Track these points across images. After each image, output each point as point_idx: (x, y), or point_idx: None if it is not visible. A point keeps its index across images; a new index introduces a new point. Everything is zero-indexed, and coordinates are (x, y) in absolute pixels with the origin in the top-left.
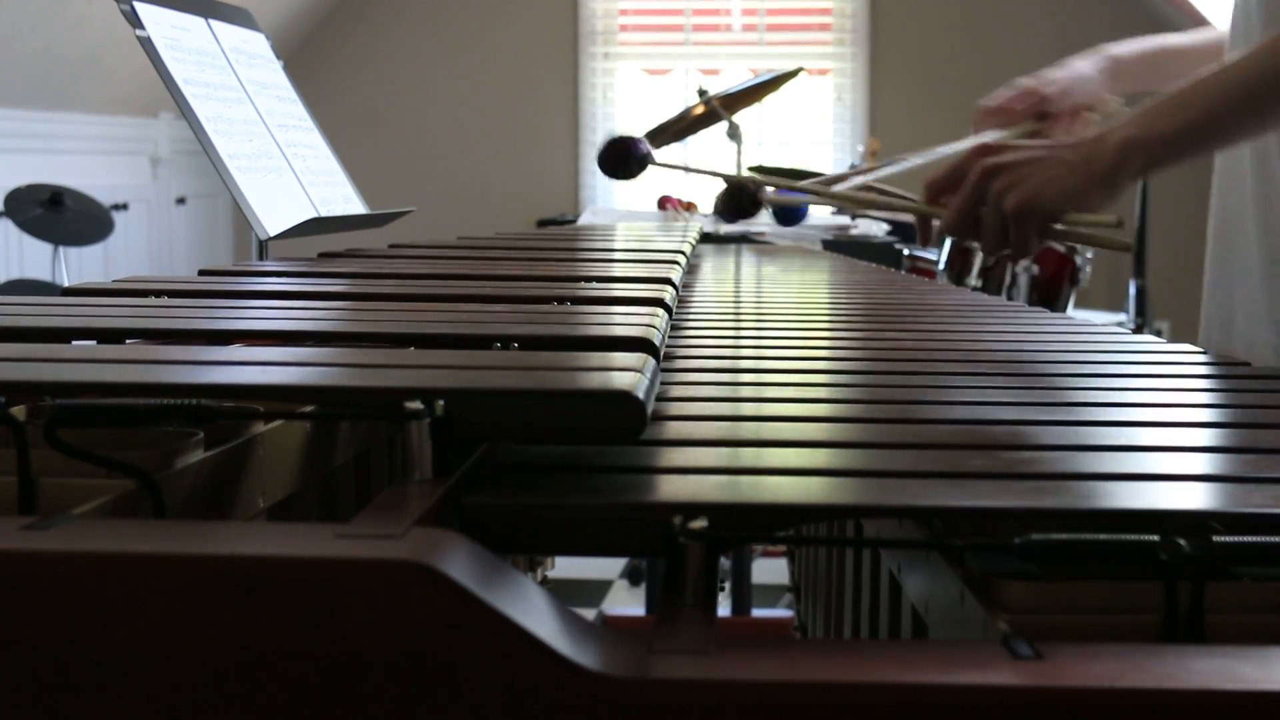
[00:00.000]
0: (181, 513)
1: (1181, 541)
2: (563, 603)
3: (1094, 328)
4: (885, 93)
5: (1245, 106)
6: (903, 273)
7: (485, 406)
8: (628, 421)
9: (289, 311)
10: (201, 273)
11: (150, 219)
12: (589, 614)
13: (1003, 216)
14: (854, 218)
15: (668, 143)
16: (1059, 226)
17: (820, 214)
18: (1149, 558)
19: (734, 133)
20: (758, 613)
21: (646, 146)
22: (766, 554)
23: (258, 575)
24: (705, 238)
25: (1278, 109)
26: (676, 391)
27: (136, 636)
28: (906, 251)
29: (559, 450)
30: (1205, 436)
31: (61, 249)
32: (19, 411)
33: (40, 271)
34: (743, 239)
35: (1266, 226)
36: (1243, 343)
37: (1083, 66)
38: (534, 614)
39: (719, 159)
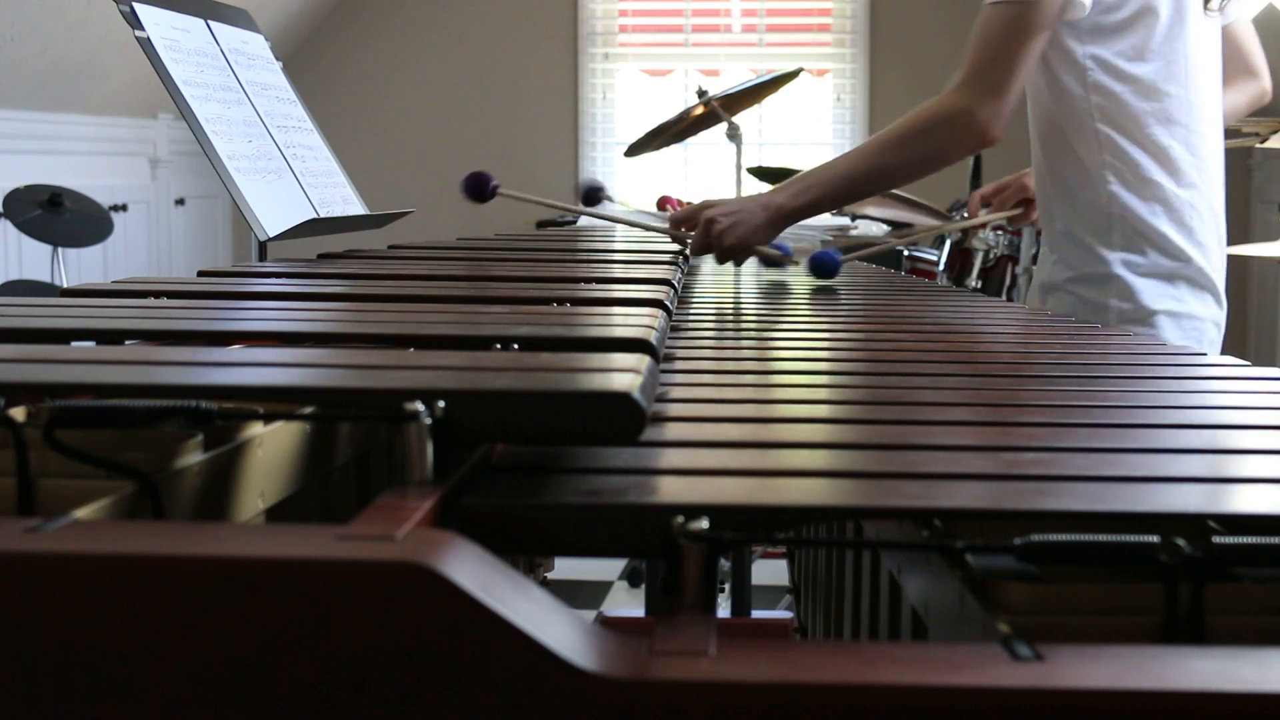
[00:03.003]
0: (181, 514)
1: (1181, 543)
2: (562, 604)
3: (1094, 329)
4: (885, 93)
5: (842, 193)
6: (903, 274)
7: (485, 408)
8: (626, 422)
9: (288, 313)
10: (201, 274)
11: (149, 220)
12: (589, 615)
13: (722, 247)
14: (854, 219)
15: (668, 144)
16: (758, 249)
17: (819, 215)
18: (1149, 559)
19: (733, 134)
20: (757, 614)
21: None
22: (766, 555)
23: (258, 576)
24: None
25: (862, 194)
26: (676, 392)
27: (136, 636)
28: (906, 253)
29: (559, 451)
30: (1205, 438)
31: (60, 250)
32: (18, 413)
33: (39, 272)
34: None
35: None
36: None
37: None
38: (534, 616)
39: (721, 161)
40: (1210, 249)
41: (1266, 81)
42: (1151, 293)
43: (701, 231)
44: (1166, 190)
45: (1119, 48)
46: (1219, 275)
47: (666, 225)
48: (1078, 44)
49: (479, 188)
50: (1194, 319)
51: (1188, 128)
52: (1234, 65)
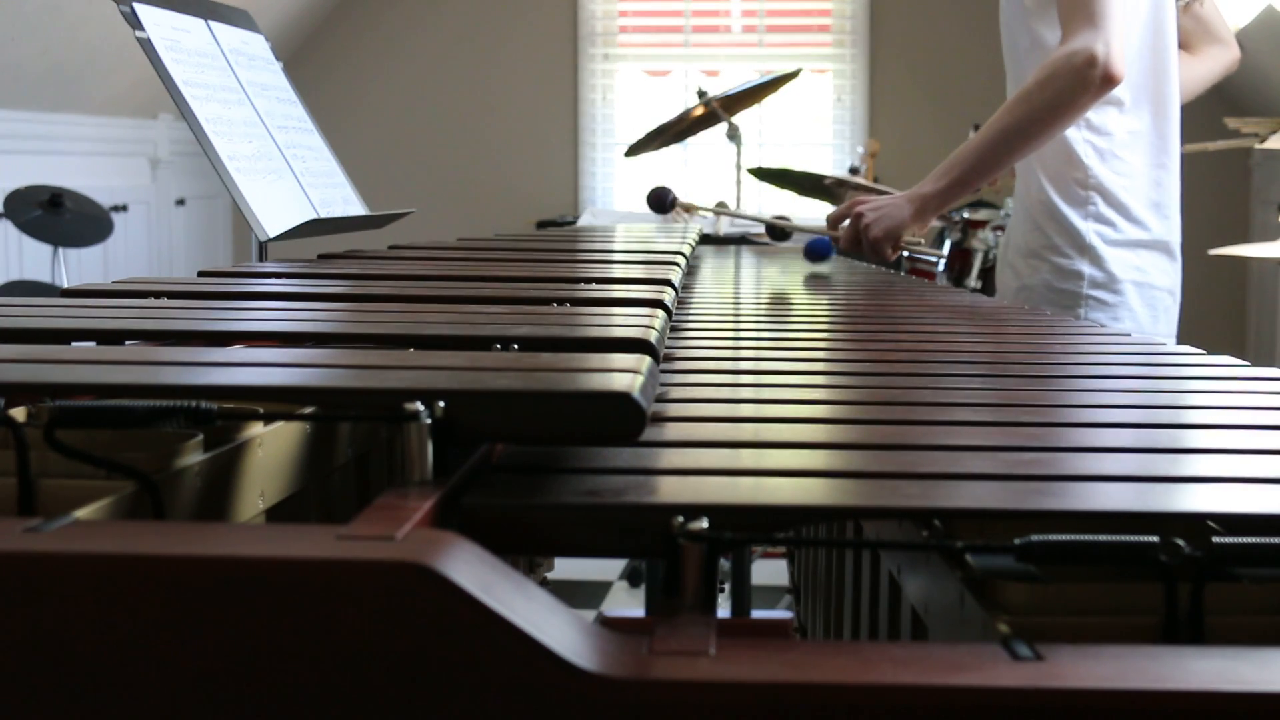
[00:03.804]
0: (181, 514)
1: (1181, 543)
2: (562, 604)
3: (1093, 329)
4: (885, 93)
5: (981, 164)
6: (903, 274)
7: (485, 408)
8: (626, 423)
9: (288, 313)
10: (201, 274)
11: (150, 220)
12: (589, 615)
13: (869, 239)
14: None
15: (668, 144)
16: (903, 242)
17: (817, 215)
18: (1149, 559)
19: (734, 134)
20: (757, 614)
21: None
22: (766, 555)
23: (258, 576)
24: (705, 239)
25: (1001, 159)
26: (676, 392)
27: (136, 636)
28: (906, 253)
29: (559, 451)
30: (1205, 438)
31: (61, 250)
32: (18, 413)
33: (40, 273)
34: (742, 240)
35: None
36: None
37: None
38: (534, 615)
39: (721, 162)
40: (1173, 220)
41: (1236, 49)
42: (1121, 263)
43: (851, 226)
44: (1138, 166)
45: None
46: (1178, 245)
47: (824, 225)
48: (1053, 31)
49: (660, 201)
50: (1155, 289)
51: (1157, 108)
52: (1203, 38)
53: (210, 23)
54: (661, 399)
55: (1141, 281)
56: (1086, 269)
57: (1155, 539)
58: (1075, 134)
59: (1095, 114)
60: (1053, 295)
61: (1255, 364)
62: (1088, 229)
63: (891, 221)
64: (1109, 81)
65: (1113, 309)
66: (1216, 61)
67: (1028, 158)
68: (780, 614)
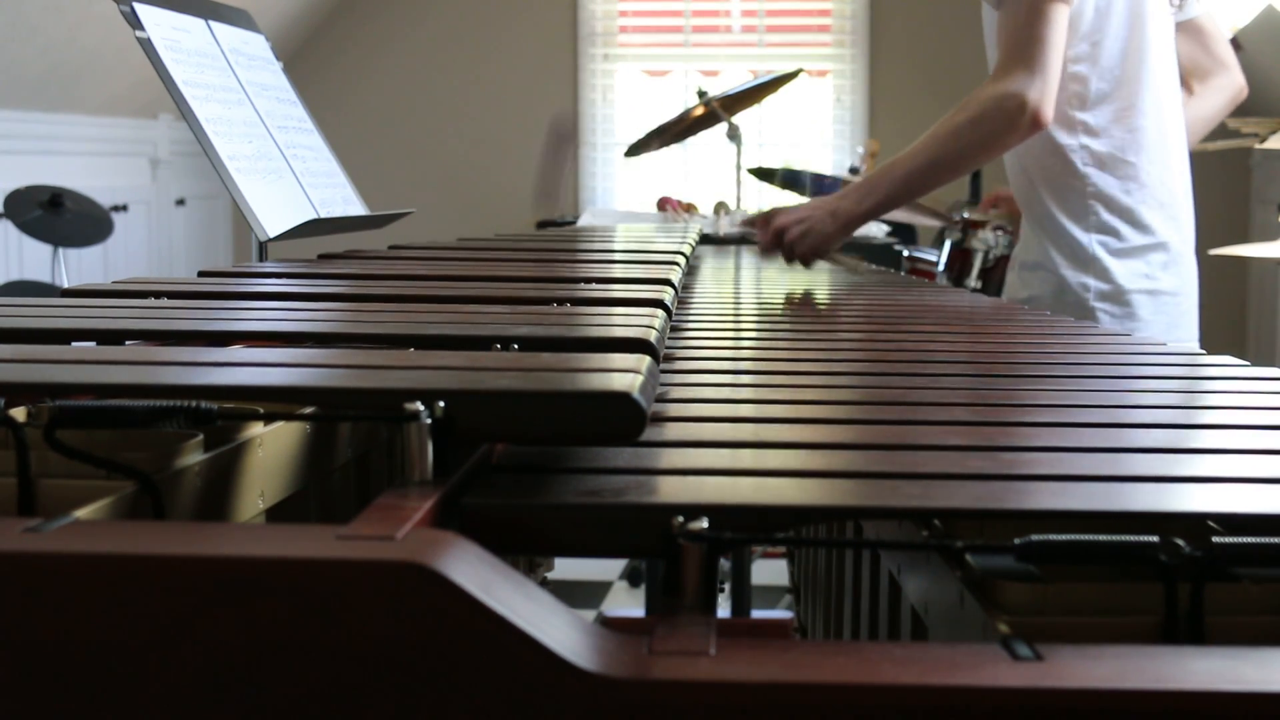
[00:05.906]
0: (181, 514)
1: (1181, 543)
2: (562, 604)
3: (1093, 329)
4: (885, 94)
5: (905, 190)
6: (902, 274)
7: (485, 408)
8: (626, 423)
9: (289, 313)
10: (201, 274)
11: (150, 220)
12: (589, 615)
13: (794, 254)
14: None
15: (668, 144)
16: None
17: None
18: (1149, 559)
19: (734, 134)
20: (757, 614)
21: None
22: (766, 555)
23: (258, 576)
24: (705, 239)
25: (925, 188)
26: (676, 392)
27: (136, 636)
28: (906, 253)
29: (559, 451)
30: (1205, 438)
31: (61, 250)
32: (19, 413)
33: (40, 273)
34: (742, 240)
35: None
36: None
37: None
38: (534, 616)
39: (721, 162)
40: (1182, 221)
41: (1239, 75)
42: (1128, 273)
43: (772, 240)
44: (1140, 169)
45: (1082, 30)
46: (1190, 244)
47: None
48: None
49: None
50: (1168, 294)
51: (1153, 104)
52: (1207, 60)
53: (210, 23)
54: (661, 399)
55: (1152, 289)
56: (1092, 282)
57: (1155, 539)
58: (1071, 141)
59: (1091, 116)
60: (1060, 308)
61: (1255, 364)
62: (1090, 241)
63: (818, 238)
64: (1037, 127)
65: (1121, 321)
66: (1221, 93)
67: (1025, 170)
68: (780, 614)
